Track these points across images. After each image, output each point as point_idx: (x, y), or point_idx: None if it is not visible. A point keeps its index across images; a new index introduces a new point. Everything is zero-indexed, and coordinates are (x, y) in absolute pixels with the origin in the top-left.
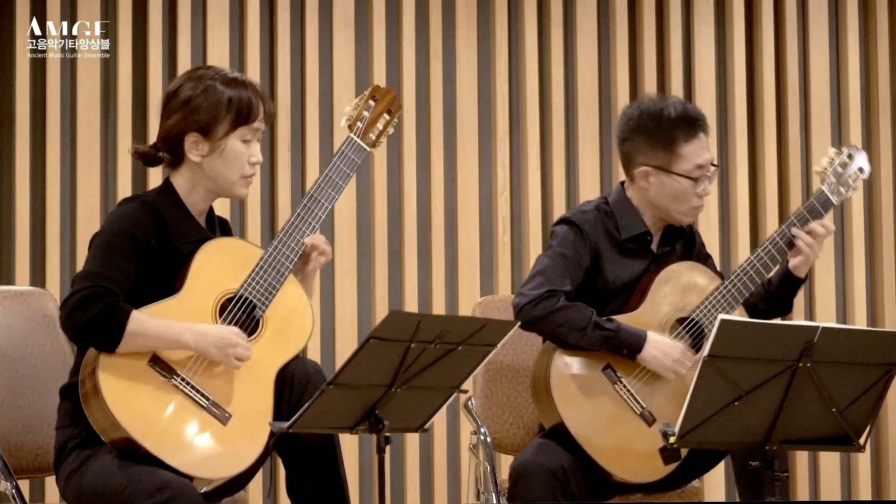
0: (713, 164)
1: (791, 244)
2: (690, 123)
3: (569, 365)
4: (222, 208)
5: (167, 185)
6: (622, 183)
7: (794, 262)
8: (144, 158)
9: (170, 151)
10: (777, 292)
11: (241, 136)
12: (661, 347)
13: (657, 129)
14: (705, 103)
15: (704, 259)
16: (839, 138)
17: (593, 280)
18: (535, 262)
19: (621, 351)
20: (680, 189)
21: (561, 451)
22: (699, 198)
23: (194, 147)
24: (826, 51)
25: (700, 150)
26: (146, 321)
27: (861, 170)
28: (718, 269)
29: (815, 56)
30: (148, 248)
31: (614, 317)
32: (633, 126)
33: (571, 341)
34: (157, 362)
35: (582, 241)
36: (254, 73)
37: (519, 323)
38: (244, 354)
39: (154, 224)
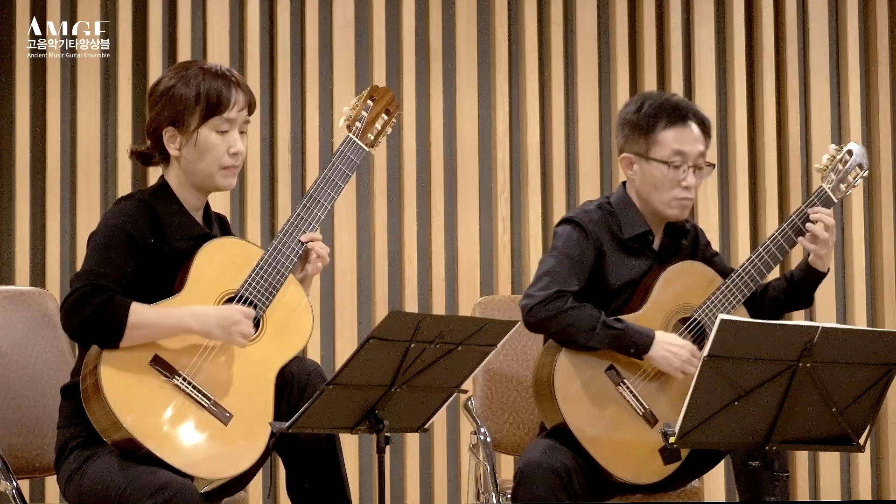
0: (708, 163)
1: (792, 242)
2: (673, 111)
3: (572, 365)
4: (222, 207)
5: (162, 183)
6: (624, 182)
7: (810, 257)
8: (141, 158)
9: (156, 147)
10: (799, 285)
11: (214, 127)
12: (670, 347)
13: (638, 115)
14: (705, 103)
15: (711, 257)
16: (839, 138)
17: (596, 279)
18: (540, 263)
19: (629, 350)
20: (658, 176)
21: (564, 451)
22: (684, 189)
23: (172, 141)
24: (826, 51)
25: (681, 138)
26: (146, 312)
27: (861, 166)
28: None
29: (815, 56)
30: (144, 245)
31: (621, 316)
32: (621, 115)
33: (580, 341)
34: (158, 362)
35: (586, 240)
36: (254, 73)
37: (519, 322)
38: (248, 331)
39: (150, 221)
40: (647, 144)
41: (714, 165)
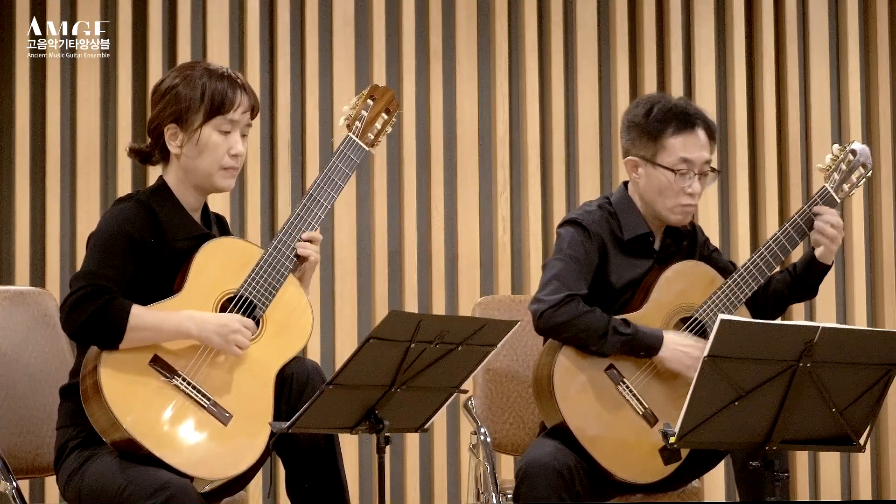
0: (713, 169)
1: (795, 242)
2: (682, 117)
3: (571, 365)
4: (222, 207)
5: (161, 183)
6: (625, 183)
7: (818, 250)
8: (140, 156)
9: (156, 145)
10: (803, 278)
11: (217, 127)
12: (681, 346)
13: (647, 120)
14: (705, 104)
15: (710, 254)
16: (839, 138)
17: (598, 280)
18: (546, 267)
19: (639, 353)
20: (664, 182)
21: (566, 451)
22: (688, 196)
23: (173, 139)
24: (826, 51)
25: (688, 145)
26: (145, 314)
27: (864, 167)
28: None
29: (815, 56)
30: (143, 246)
31: (626, 316)
32: (628, 118)
33: (592, 346)
34: (157, 362)
35: (590, 241)
36: (254, 73)
37: (519, 322)
38: (244, 342)
39: (149, 222)
40: (655, 149)
41: (719, 172)
